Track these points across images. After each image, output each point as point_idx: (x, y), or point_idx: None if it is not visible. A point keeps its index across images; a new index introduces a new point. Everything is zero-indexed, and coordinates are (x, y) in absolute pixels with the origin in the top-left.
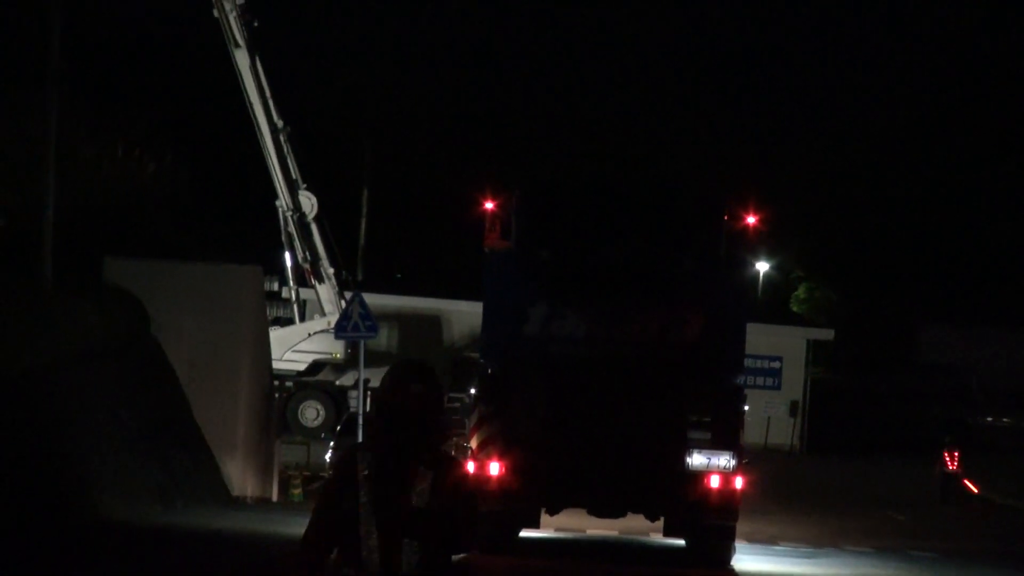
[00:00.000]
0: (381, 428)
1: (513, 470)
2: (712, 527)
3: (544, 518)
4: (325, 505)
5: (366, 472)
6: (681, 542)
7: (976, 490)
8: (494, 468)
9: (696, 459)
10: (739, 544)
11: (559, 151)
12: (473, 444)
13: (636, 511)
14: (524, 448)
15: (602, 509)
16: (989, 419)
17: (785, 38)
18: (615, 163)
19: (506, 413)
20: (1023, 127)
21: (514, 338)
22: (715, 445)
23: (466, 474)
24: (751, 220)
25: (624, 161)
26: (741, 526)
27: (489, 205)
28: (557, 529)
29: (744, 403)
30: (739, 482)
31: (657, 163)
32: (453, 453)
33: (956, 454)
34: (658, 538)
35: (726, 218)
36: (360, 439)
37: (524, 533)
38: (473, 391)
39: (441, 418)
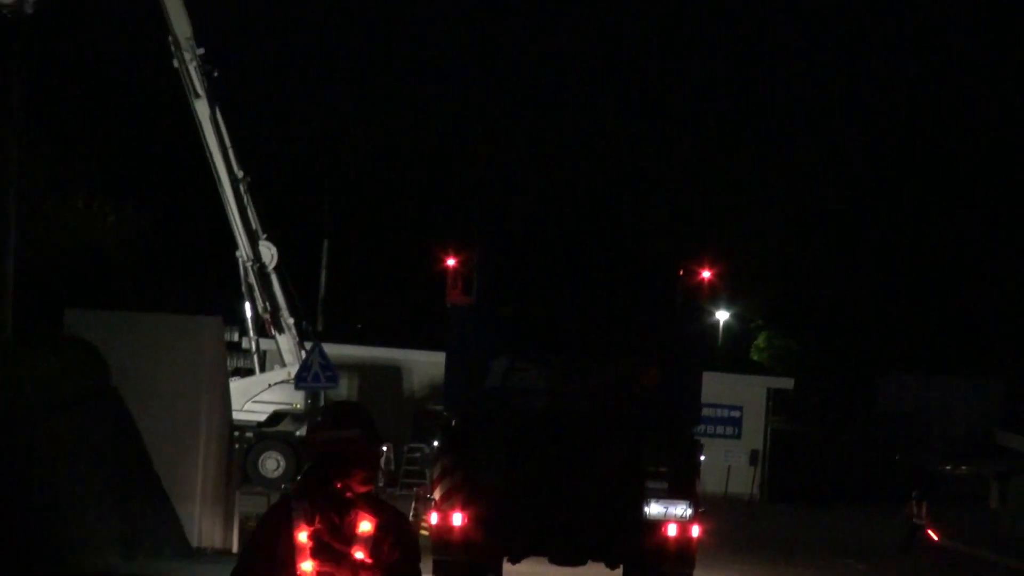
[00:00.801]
0: (317, 475)
1: (476, 520)
2: (670, 575)
3: (507, 567)
4: (254, 557)
5: (304, 521)
6: None
7: (937, 538)
8: (457, 518)
9: (653, 508)
10: None
11: (521, 204)
12: (436, 495)
13: (596, 559)
14: (487, 498)
15: (563, 558)
16: (948, 467)
17: (745, 91)
18: (575, 219)
19: (469, 464)
20: (977, 185)
21: (476, 391)
22: (672, 495)
23: (408, 521)
24: (706, 274)
25: (583, 217)
26: (701, 573)
27: (451, 261)
28: None
29: (701, 453)
30: (696, 531)
31: (616, 218)
32: (429, 495)
33: (924, 506)
34: None
35: (681, 273)
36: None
37: None
38: (436, 442)
39: (378, 463)
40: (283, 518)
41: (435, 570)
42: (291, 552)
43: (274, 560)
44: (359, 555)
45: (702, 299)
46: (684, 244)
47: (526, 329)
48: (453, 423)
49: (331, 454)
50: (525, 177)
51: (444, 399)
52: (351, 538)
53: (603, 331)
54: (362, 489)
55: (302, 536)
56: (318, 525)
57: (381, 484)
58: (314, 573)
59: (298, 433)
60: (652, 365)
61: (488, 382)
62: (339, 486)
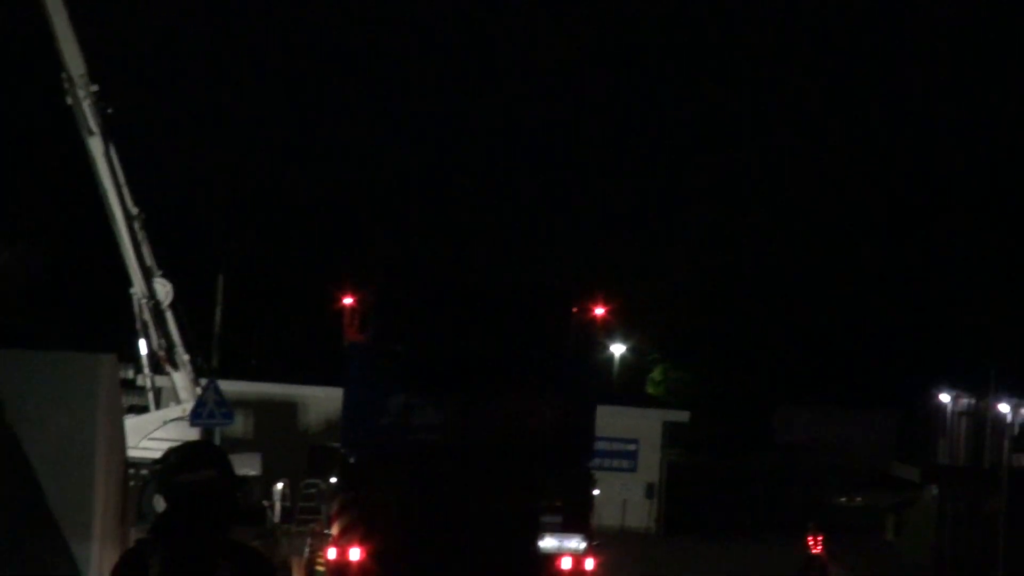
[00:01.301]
0: (173, 519)
1: (374, 555)
2: None
3: None
4: None
5: (157, 570)
6: None
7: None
8: (355, 553)
9: (548, 542)
10: None
11: (416, 244)
12: (334, 530)
13: None
14: (384, 534)
15: None
16: (843, 499)
17: (638, 128)
18: (469, 258)
19: (366, 500)
20: (867, 220)
21: (373, 428)
22: (566, 528)
23: (269, 566)
24: (599, 311)
25: (478, 256)
26: None
27: (348, 300)
28: None
29: (594, 487)
30: (590, 564)
31: (511, 256)
32: (327, 531)
33: (820, 538)
34: None
35: (575, 310)
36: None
37: None
38: (333, 479)
39: (235, 505)
40: (136, 566)
41: None
42: None
43: None
44: None
45: (596, 335)
46: (577, 282)
47: (421, 366)
48: (351, 459)
49: (187, 497)
50: (420, 215)
51: (342, 436)
52: None
53: (498, 368)
54: (220, 533)
55: None
56: (173, 573)
57: (277, 520)
58: None
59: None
60: (546, 401)
61: (385, 419)
62: (196, 531)
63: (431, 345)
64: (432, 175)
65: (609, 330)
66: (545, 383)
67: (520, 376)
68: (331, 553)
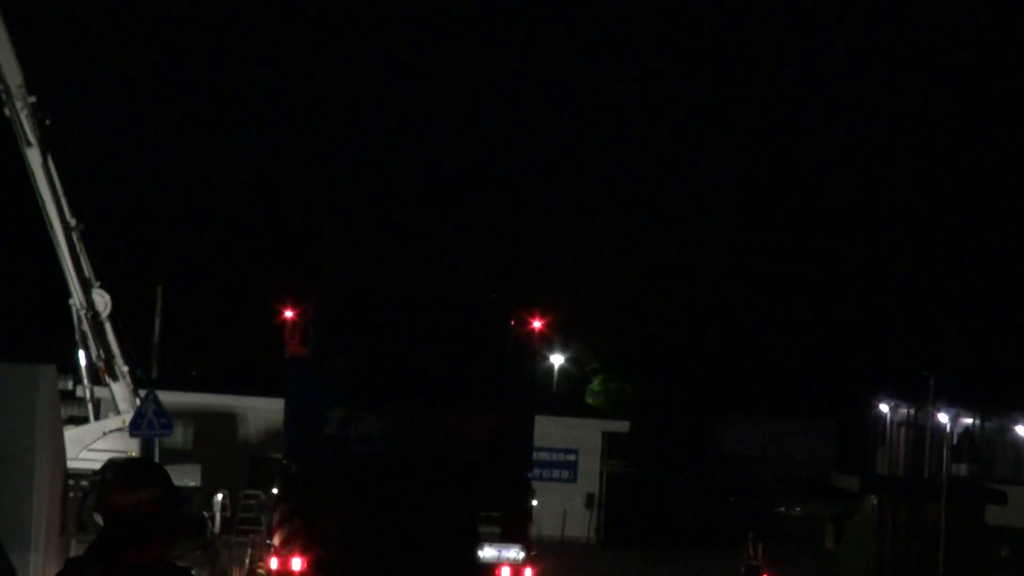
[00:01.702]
0: (110, 540)
1: (315, 564)
2: None
3: None
4: None
5: None
6: None
7: None
8: (297, 563)
9: (487, 552)
10: None
11: (357, 256)
12: (276, 540)
13: None
14: (325, 543)
15: None
16: (782, 509)
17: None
18: (408, 273)
19: (308, 510)
20: (804, 228)
21: (314, 439)
22: (505, 538)
23: None
24: (536, 324)
25: (416, 271)
26: None
27: (289, 314)
28: None
29: (533, 497)
30: (528, 573)
31: (450, 269)
32: (269, 541)
33: (760, 547)
34: None
35: (512, 323)
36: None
37: None
38: (274, 489)
39: (176, 524)
40: None
41: None
42: None
43: None
44: None
45: (533, 347)
46: (515, 295)
47: (361, 379)
48: (292, 470)
49: (126, 517)
50: (359, 231)
51: (283, 447)
52: None
53: (436, 380)
54: (160, 555)
55: None
56: None
57: (217, 531)
58: None
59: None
60: (485, 413)
61: (326, 430)
62: (134, 553)
63: (371, 358)
64: (374, 188)
65: (546, 342)
66: (483, 395)
67: (459, 388)
68: (273, 563)
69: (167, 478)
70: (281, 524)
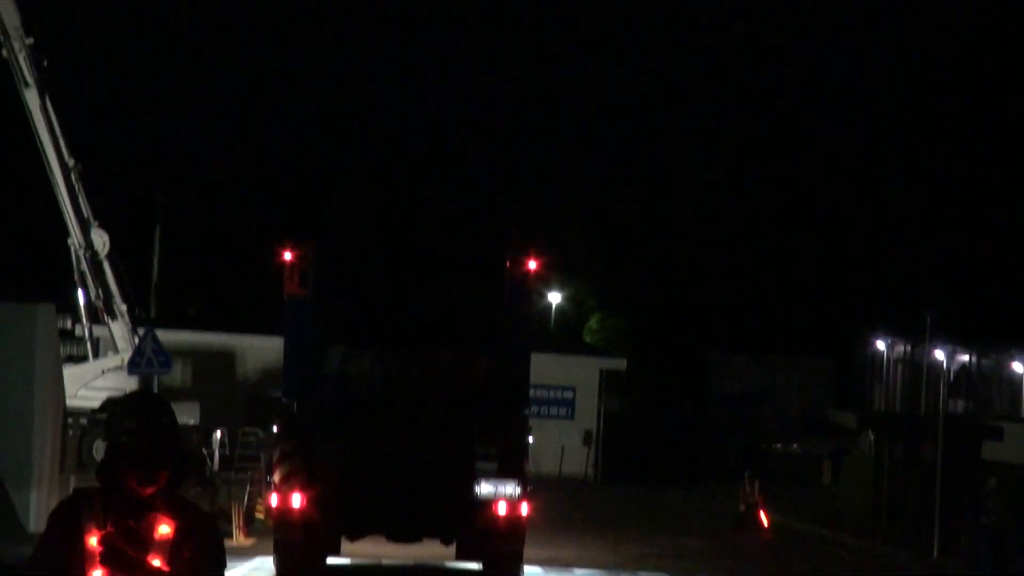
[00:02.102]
0: (114, 470)
1: (314, 501)
2: (500, 551)
3: (346, 545)
4: (44, 562)
5: (94, 524)
6: (475, 566)
7: (767, 522)
8: (297, 500)
9: (484, 488)
10: (535, 569)
11: (354, 197)
12: (276, 478)
13: (431, 536)
14: (325, 480)
15: (399, 535)
16: (779, 446)
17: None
18: (406, 213)
19: (307, 448)
20: (802, 168)
21: (313, 379)
22: (501, 475)
23: (213, 523)
24: (532, 264)
25: (414, 211)
26: (538, 552)
27: (288, 255)
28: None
29: (529, 434)
30: (524, 509)
31: (445, 211)
32: (269, 478)
33: (756, 485)
34: (460, 564)
35: (508, 264)
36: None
37: (331, 560)
38: (274, 427)
39: (181, 459)
40: (71, 521)
41: (275, 550)
42: (80, 559)
43: (63, 569)
44: (156, 562)
45: (529, 287)
46: (512, 235)
47: (360, 319)
48: (291, 409)
49: (123, 447)
50: (357, 170)
51: (283, 386)
52: (148, 543)
53: (434, 320)
54: (156, 489)
55: (92, 541)
56: (110, 529)
57: (216, 468)
58: None
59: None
60: (482, 352)
61: (325, 370)
62: (134, 484)
63: (369, 298)
64: (374, 125)
65: (542, 282)
66: (480, 335)
67: (456, 328)
68: (273, 500)
69: (172, 412)
70: (281, 462)
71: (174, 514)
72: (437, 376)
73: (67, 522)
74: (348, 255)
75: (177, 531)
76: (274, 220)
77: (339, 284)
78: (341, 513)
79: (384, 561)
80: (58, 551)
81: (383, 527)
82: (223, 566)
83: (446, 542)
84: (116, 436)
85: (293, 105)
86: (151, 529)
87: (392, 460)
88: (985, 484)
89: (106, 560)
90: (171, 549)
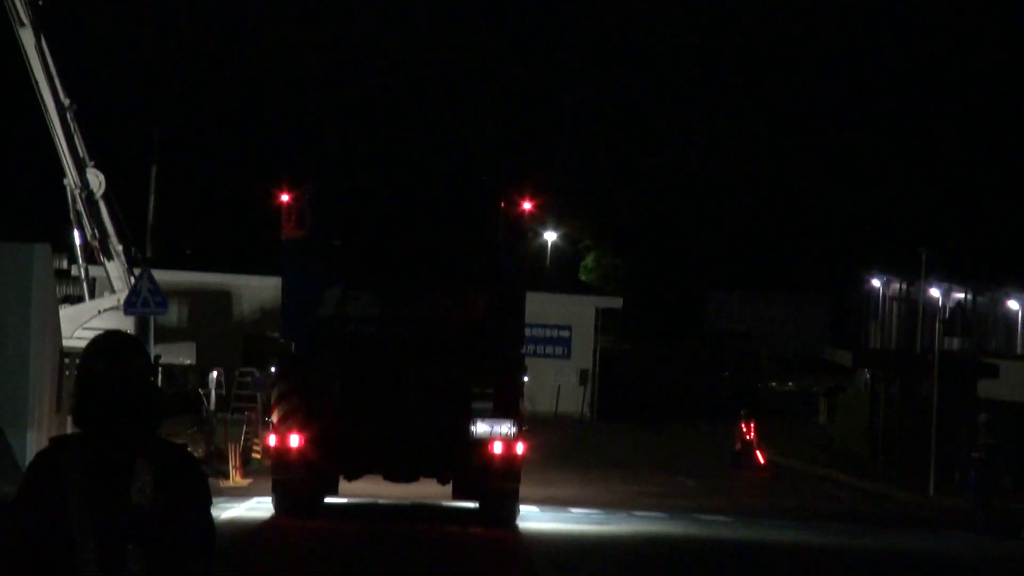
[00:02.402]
0: (90, 413)
1: (312, 441)
2: (496, 489)
3: (344, 485)
4: (23, 513)
5: (74, 468)
6: (471, 504)
7: (763, 461)
8: (295, 440)
9: (480, 427)
10: (532, 509)
11: (349, 135)
12: (275, 418)
13: (427, 476)
14: (323, 420)
15: (396, 474)
16: (773, 384)
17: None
18: (403, 155)
19: (305, 388)
20: (799, 103)
21: (312, 319)
22: (497, 414)
23: (195, 464)
24: (526, 206)
25: (411, 153)
26: (535, 491)
27: (285, 197)
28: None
29: (524, 374)
30: (520, 447)
31: (442, 150)
32: (268, 418)
33: (752, 424)
34: (458, 503)
35: (503, 206)
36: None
37: (328, 500)
38: (272, 368)
39: (158, 399)
40: (48, 468)
41: (274, 489)
42: (60, 509)
43: (44, 520)
44: (139, 506)
45: (524, 228)
46: (507, 177)
47: (358, 260)
48: (290, 350)
49: (95, 390)
50: (352, 113)
51: (281, 327)
52: (128, 487)
53: (430, 260)
54: (138, 427)
55: (72, 494)
56: (87, 471)
57: (212, 408)
58: (91, 529)
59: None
60: (477, 293)
61: (323, 310)
62: (111, 423)
63: (367, 239)
64: (371, 65)
65: (537, 222)
66: (475, 275)
67: (451, 268)
68: (271, 439)
69: (146, 352)
70: (279, 402)
71: (154, 455)
72: (433, 317)
73: (49, 465)
74: (345, 197)
75: (158, 472)
76: (271, 160)
77: (336, 225)
78: (338, 453)
79: (381, 501)
80: (41, 492)
81: (380, 467)
82: (208, 503)
83: (442, 481)
84: (86, 381)
85: (291, 45)
86: (132, 472)
87: (389, 400)
88: (976, 419)
89: (88, 510)
90: (153, 491)
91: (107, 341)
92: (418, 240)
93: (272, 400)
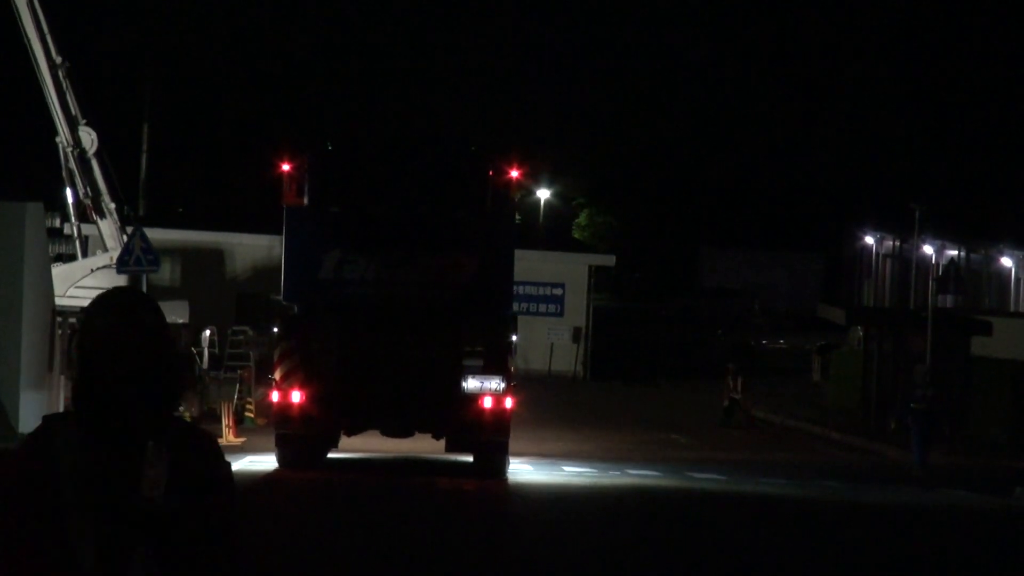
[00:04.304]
0: (93, 386)
1: (313, 398)
2: (487, 443)
3: (344, 440)
4: (14, 503)
5: (70, 454)
6: (465, 458)
7: (751, 418)
8: (296, 396)
9: (471, 383)
10: (524, 467)
11: (345, 104)
12: (277, 375)
13: (422, 431)
14: (323, 378)
15: (393, 430)
16: (764, 342)
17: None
18: (396, 126)
19: (306, 348)
20: (795, 58)
21: (312, 282)
22: (487, 371)
23: (219, 452)
24: (514, 174)
25: (403, 123)
26: (528, 447)
27: (286, 167)
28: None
29: (514, 333)
30: (509, 402)
31: (433, 117)
32: (270, 376)
33: (740, 379)
34: (452, 456)
35: (491, 174)
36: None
37: (331, 454)
38: (275, 329)
39: (177, 367)
40: (40, 453)
41: (277, 443)
42: (55, 506)
43: (33, 520)
44: (150, 498)
45: (511, 195)
46: (494, 146)
47: (355, 226)
48: (292, 311)
49: (99, 356)
50: (347, 85)
51: (283, 290)
52: (139, 480)
53: (423, 226)
54: (161, 404)
55: (68, 486)
56: (87, 457)
57: (205, 367)
58: (91, 530)
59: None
60: (466, 256)
61: (322, 274)
62: (119, 403)
63: (363, 206)
64: (359, 34)
65: (523, 188)
66: (465, 240)
67: (443, 233)
68: (274, 396)
69: (158, 308)
70: (281, 361)
71: (171, 441)
72: (426, 279)
73: (43, 449)
74: (343, 167)
75: (176, 463)
76: (264, 118)
77: (334, 193)
78: (338, 409)
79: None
80: (34, 479)
81: (377, 422)
82: (235, 500)
83: (436, 436)
84: (89, 343)
85: (284, 8)
86: (143, 462)
87: (385, 359)
88: (914, 369)
89: (91, 504)
90: (169, 486)
91: (113, 296)
92: (411, 207)
93: (275, 359)
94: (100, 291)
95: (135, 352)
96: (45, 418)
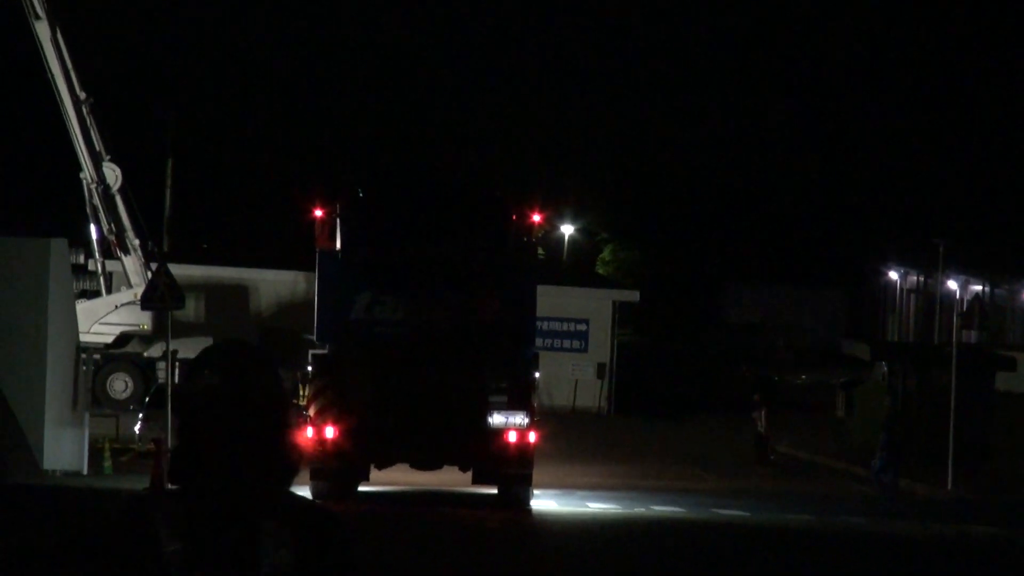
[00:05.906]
0: (188, 456)
1: (346, 433)
2: (512, 475)
3: (375, 473)
4: None
5: (177, 539)
6: (491, 490)
7: (774, 454)
8: (330, 431)
9: (496, 418)
10: (549, 504)
11: (375, 159)
12: (311, 412)
13: (450, 464)
14: (355, 414)
15: (422, 463)
16: (790, 377)
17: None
18: (424, 173)
19: (339, 385)
20: (817, 94)
21: (343, 322)
22: (511, 406)
23: (344, 532)
24: (536, 218)
25: (430, 170)
26: (551, 481)
27: (318, 213)
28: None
29: (536, 370)
30: (532, 436)
31: (460, 156)
32: (305, 411)
33: (764, 412)
34: (478, 489)
35: (513, 218)
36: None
37: (362, 488)
38: (309, 368)
39: (294, 435)
40: (141, 545)
41: (311, 477)
42: None
43: None
44: None
45: (532, 238)
46: (517, 192)
47: (384, 269)
48: (325, 350)
49: (204, 423)
50: (376, 133)
51: (315, 331)
52: (253, 562)
53: (449, 268)
54: (278, 479)
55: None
56: (191, 535)
57: None
58: None
59: (145, 354)
60: (491, 297)
61: (353, 315)
62: (226, 477)
63: (392, 250)
64: (384, 79)
65: (545, 231)
66: (490, 281)
67: (468, 275)
68: (308, 432)
69: (274, 366)
70: (315, 398)
71: (290, 526)
72: (452, 319)
73: (136, 531)
74: (373, 213)
75: (297, 552)
76: (287, 155)
77: (365, 238)
78: (369, 443)
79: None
80: (127, 568)
81: (407, 456)
82: None
83: (463, 469)
84: (191, 407)
85: (307, 45)
86: (259, 547)
87: (414, 395)
88: (883, 402)
89: None
90: (287, 565)
91: (222, 351)
92: (438, 250)
93: (309, 396)
94: (124, 327)
95: (249, 418)
96: (138, 497)
